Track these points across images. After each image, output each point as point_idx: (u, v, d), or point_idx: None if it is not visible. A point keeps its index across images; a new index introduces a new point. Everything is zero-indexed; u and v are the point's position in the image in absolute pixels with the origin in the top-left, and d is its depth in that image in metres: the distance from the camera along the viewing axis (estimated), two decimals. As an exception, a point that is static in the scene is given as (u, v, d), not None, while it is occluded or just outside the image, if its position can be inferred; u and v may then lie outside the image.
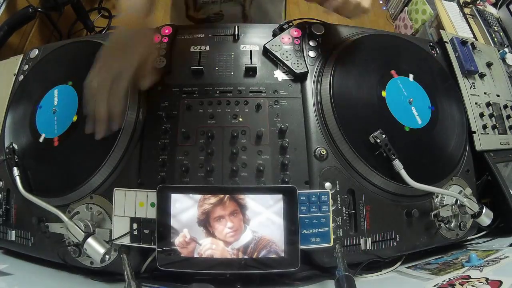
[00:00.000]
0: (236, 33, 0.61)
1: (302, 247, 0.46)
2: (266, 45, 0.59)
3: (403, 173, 0.50)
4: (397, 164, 0.50)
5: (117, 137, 0.52)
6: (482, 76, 0.69)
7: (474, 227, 0.57)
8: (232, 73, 0.59)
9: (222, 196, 0.46)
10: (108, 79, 0.46)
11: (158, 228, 0.46)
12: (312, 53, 0.60)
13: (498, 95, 0.69)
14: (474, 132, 0.62)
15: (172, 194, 0.46)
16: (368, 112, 0.55)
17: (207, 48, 0.61)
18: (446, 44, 0.69)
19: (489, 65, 0.71)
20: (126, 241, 0.47)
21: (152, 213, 0.47)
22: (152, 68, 0.52)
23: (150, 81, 0.52)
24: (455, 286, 0.43)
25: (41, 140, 0.56)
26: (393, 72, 0.60)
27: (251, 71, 0.58)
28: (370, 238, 0.51)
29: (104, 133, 0.49)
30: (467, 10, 1.56)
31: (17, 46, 1.28)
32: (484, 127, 0.64)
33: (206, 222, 0.46)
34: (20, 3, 1.31)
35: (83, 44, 0.66)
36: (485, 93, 0.68)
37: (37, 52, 0.67)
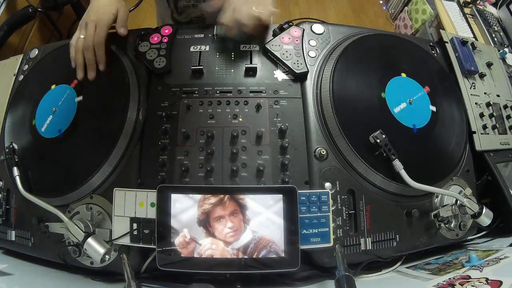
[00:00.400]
0: (236, 33, 0.61)
1: (302, 247, 0.46)
2: (266, 45, 0.59)
3: (403, 173, 0.50)
4: (397, 164, 0.50)
5: (117, 137, 0.52)
6: (482, 76, 0.69)
7: (474, 227, 0.57)
8: (232, 73, 0.59)
9: (222, 196, 0.46)
10: (91, 33, 0.56)
11: (158, 228, 0.46)
12: (312, 53, 0.60)
13: (498, 95, 0.69)
14: (474, 132, 0.62)
15: (172, 194, 0.46)
16: (368, 112, 0.55)
17: (207, 48, 0.61)
18: (446, 44, 0.69)
19: (489, 65, 0.71)
20: (126, 241, 0.47)
21: (152, 213, 0.47)
22: (124, 19, 0.60)
23: (125, 28, 0.60)
24: (455, 286, 0.43)
25: (41, 140, 0.56)
26: (427, 87, 0.60)
27: (251, 71, 0.58)
28: (370, 238, 0.51)
29: (94, 74, 0.57)
30: (467, 10, 1.55)
31: (17, 46, 1.28)
32: (484, 127, 0.64)
33: (206, 222, 0.46)
34: (20, 3, 1.31)
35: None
36: (485, 93, 0.68)
37: (37, 52, 0.67)
